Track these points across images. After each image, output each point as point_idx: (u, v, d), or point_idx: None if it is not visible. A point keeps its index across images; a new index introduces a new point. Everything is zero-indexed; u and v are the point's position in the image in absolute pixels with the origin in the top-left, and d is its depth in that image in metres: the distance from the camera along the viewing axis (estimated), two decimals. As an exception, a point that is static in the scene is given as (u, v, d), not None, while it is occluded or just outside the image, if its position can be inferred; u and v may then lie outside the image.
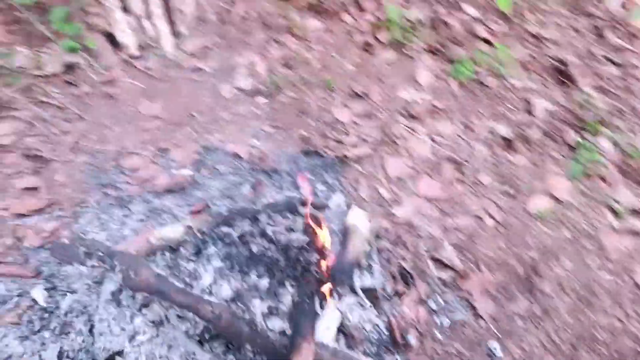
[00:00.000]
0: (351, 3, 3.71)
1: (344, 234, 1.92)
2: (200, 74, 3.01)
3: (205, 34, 3.26)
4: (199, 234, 1.80)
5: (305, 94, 2.97)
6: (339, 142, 2.72)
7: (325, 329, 1.64)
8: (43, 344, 1.78)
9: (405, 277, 2.22)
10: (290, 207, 1.85)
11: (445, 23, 3.64)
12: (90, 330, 1.72)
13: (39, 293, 1.94)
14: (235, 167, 2.52)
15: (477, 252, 2.38)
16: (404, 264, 2.27)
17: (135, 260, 1.49)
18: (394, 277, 2.21)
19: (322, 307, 1.69)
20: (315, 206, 1.88)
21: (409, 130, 2.85)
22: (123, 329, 1.66)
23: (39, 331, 1.83)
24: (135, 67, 2.97)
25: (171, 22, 3.20)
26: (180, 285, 1.51)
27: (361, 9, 3.69)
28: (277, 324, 1.56)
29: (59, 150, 2.49)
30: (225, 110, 2.83)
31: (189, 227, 1.82)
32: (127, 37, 3.04)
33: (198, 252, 1.75)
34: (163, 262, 1.75)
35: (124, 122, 2.69)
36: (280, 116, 2.84)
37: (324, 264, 1.73)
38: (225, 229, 1.80)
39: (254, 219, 1.83)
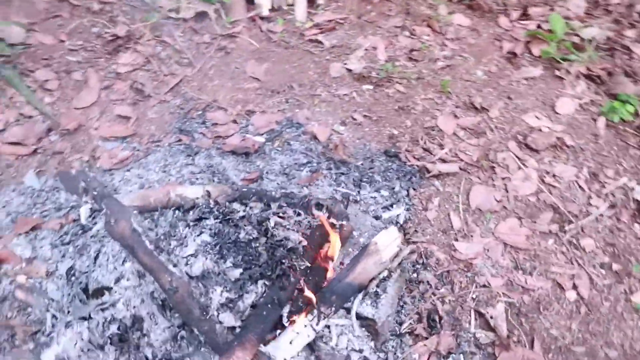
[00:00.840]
0: (517, 6, 3.28)
1: (360, 252, 1.71)
2: (318, 47, 2.93)
3: (341, 9, 3.15)
4: (212, 202, 1.76)
5: (415, 91, 2.71)
6: (428, 151, 2.44)
7: (288, 344, 1.48)
8: (63, 255, 1.93)
9: (433, 321, 1.92)
10: (305, 205, 1.69)
11: (628, 49, 3.01)
12: (95, 259, 1.81)
13: (84, 211, 2.10)
14: (308, 148, 2.41)
15: (537, 323, 1.95)
16: (439, 305, 1.97)
17: (120, 209, 1.51)
18: (419, 315, 1.92)
19: (289, 319, 1.53)
20: (331, 212, 1.68)
21: (518, 160, 2.43)
22: (115, 269, 1.71)
23: (67, 243, 1.98)
24: (260, 27, 3.00)
25: (312, -9, 3.16)
26: (151, 247, 1.49)
27: (526, 14, 3.23)
28: (228, 319, 1.45)
29: (161, 89, 2.65)
30: (325, 89, 2.72)
31: (208, 193, 1.78)
32: (265, -3, 3.08)
33: (199, 220, 1.71)
34: (170, 218, 1.75)
35: (227, 77, 2.74)
36: (378, 108, 2.63)
37: (316, 276, 1.55)
38: (235, 206, 1.73)
39: (267, 205, 1.72)
